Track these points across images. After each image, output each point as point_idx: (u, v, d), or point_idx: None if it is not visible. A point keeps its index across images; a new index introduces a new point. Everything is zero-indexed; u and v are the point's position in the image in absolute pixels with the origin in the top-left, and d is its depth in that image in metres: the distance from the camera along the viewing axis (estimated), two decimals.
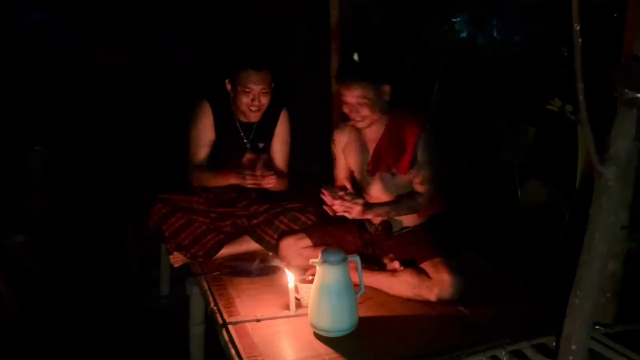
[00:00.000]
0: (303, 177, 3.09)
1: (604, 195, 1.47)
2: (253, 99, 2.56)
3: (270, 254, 2.53)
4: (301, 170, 3.03)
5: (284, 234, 2.50)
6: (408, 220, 2.41)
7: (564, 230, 2.17)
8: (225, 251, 2.56)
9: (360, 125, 2.33)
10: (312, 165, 2.87)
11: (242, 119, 2.69)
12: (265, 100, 2.59)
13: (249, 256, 2.55)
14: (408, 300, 2.10)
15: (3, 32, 4.79)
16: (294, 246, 2.42)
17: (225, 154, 2.69)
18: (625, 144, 1.42)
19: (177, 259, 2.56)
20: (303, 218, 2.58)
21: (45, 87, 4.81)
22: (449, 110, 3.56)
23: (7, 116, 3.88)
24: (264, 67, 2.53)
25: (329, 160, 2.65)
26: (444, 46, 3.76)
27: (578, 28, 1.36)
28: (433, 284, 2.07)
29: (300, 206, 2.61)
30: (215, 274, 2.38)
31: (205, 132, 2.68)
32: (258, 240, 2.58)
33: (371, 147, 2.40)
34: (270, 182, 2.50)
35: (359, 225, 2.47)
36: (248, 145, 2.71)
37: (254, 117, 2.64)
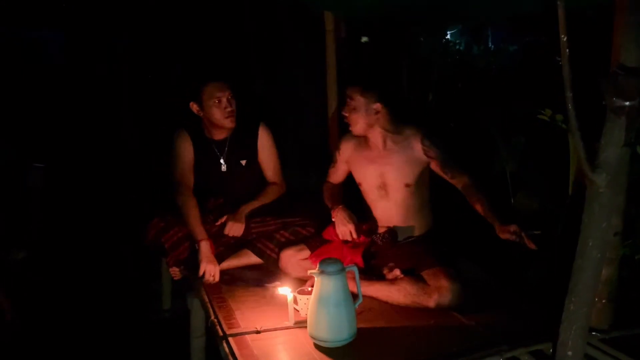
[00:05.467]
0: (300, 189, 3.11)
1: (595, 202, 1.49)
2: (225, 106, 2.62)
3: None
4: (298, 182, 3.05)
5: (284, 246, 2.52)
6: (413, 229, 2.45)
7: (558, 237, 2.18)
8: (225, 264, 2.57)
9: (350, 129, 2.44)
10: (309, 177, 2.89)
11: (215, 136, 2.74)
12: (234, 106, 2.66)
13: (249, 267, 2.57)
14: (406, 308, 2.11)
15: (2, 49, 4.84)
16: (294, 257, 2.44)
17: (202, 174, 2.74)
18: (615, 151, 1.45)
19: (176, 272, 2.58)
20: (304, 232, 2.62)
21: (44, 102, 4.86)
22: (445, 120, 3.59)
23: (9, 133, 3.92)
24: (220, 77, 2.66)
25: (326, 171, 2.69)
26: (438, 58, 3.80)
27: (565, 39, 1.39)
28: (432, 291, 2.09)
29: (300, 220, 2.65)
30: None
31: (187, 158, 2.73)
32: (259, 254, 2.59)
33: (381, 161, 2.44)
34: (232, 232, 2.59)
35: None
36: (222, 162, 2.74)
37: (230, 122, 2.66)
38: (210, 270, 2.42)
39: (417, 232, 2.48)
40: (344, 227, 2.39)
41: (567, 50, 1.39)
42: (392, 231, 2.44)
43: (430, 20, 3.65)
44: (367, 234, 2.43)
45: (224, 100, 2.62)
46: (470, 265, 2.49)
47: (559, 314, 1.59)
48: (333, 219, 2.46)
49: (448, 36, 5.33)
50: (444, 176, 2.40)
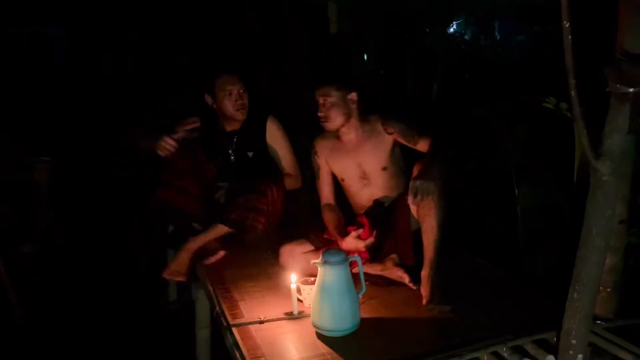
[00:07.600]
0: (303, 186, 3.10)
1: (599, 190, 1.48)
2: (236, 99, 2.73)
3: None
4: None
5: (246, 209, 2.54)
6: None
7: (564, 226, 2.17)
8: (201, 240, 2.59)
9: (328, 127, 2.49)
10: (307, 170, 2.89)
11: (227, 127, 2.83)
12: (246, 99, 2.77)
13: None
14: (408, 299, 2.11)
15: (7, 46, 4.87)
16: (295, 251, 2.45)
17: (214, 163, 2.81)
18: (619, 138, 1.44)
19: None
20: (262, 186, 2.60)
21: (50, 98, 4.88)
22: (451, 111, 3.58)
23: (15, 128, 3.94)
24: (232, 71, 2.77)
25: None
26: (444, 49, 3.78)
27: (568, 25, 1.38)
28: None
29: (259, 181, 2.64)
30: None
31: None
32: (226, 221, 2.56)
33: (355, 152, 2.52)
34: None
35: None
36: (230, 151, 2.84)
37: (241, 115, 2.76)
38: None
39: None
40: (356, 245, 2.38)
41: (570, 36, 1.38)
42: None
43: (436, 10, 3.63)
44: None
45: (235, 92, 2.73)
46: (474, 257, 2.49)
47: (563, 302, 1.58)
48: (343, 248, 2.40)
49: (454, 27, 5.29)
50: (411, 145, 2.43)
